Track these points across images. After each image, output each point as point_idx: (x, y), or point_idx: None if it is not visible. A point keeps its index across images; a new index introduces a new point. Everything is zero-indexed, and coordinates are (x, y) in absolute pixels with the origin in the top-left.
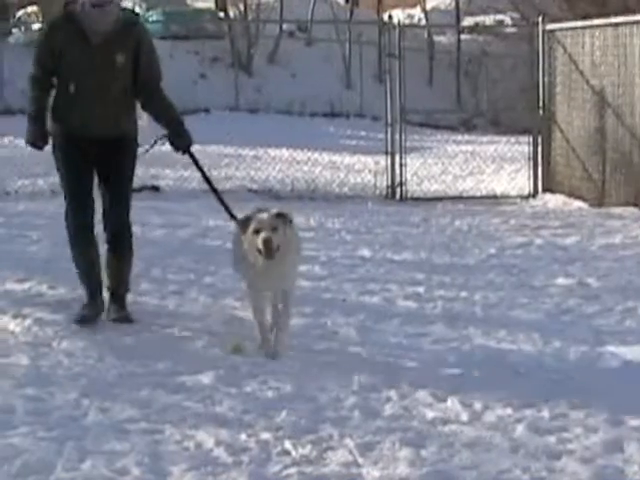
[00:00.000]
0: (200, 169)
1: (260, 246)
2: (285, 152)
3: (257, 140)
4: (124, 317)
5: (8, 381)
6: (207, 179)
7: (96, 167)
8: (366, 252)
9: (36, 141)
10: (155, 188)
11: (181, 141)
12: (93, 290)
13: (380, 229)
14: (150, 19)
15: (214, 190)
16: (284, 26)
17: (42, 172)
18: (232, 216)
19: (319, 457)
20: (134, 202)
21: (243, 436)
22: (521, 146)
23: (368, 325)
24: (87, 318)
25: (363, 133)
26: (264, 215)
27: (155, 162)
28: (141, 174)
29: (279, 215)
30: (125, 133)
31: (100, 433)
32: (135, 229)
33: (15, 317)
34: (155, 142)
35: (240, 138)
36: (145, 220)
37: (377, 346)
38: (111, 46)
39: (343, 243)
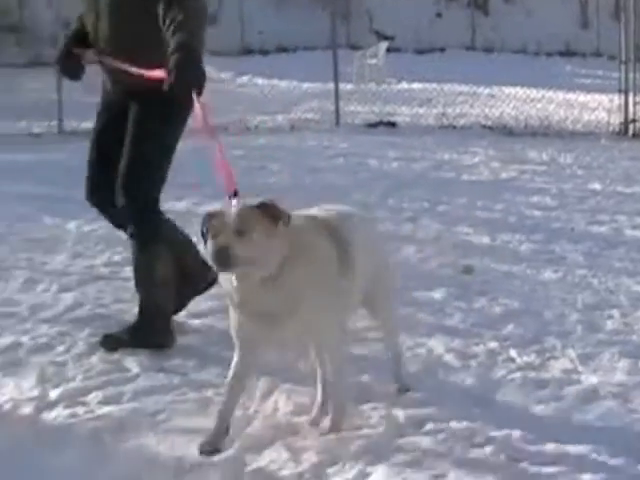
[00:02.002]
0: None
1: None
2: (520, 90)
3: (492, 79)
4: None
5: None
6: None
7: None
8: (597, 185)
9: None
10: (391, 124)
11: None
12: None
13: (611, 164)
14: None
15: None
16: None
17: (280, 109)
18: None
19: (542, 365)
20: (370, 137)
21: (472, 345)
22: None
23: (595, 252)
24: None
25: (599, 72)
26: (232, 209)
27: (392, 99)
28: (378, 110)
29: (264, 208)
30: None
31: None
32: (371, 162)
33: None
34: None
35: (475, 77)
36: (381, 154)
37: (602, 270)
38: None
39: (574, 177)
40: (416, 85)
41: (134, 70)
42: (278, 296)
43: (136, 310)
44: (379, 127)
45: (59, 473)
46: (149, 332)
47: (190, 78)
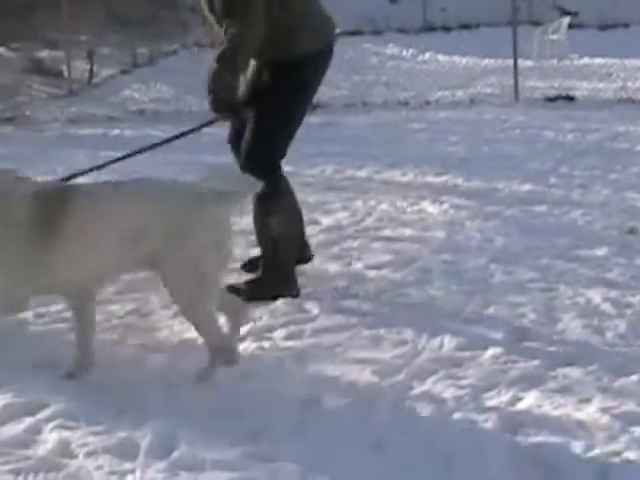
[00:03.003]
0: None
1: None
2: None
3: None
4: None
5: (427, 249)
6: None
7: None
8: None
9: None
10: (569, 98)
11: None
12: None
13: None
14: None
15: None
16: None
17: (460, 84)
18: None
19: None
20: (548, 110)
21: (628, 295)
22: None
23: None
24: None
25: None
26: None
27: (572, 74)
28: (557, 85)
29: None
30: (273, 54)
31: (503, 289)
32: (547, 133)
33: (433, 202)
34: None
35: None
36: (557, 126)
37: None
38: None
39: None
40: (598, 60)
41: None
42: None
43: None
44: (557, 101)
45: (254, 396)
46: (265, 284)
47: (214, 92)
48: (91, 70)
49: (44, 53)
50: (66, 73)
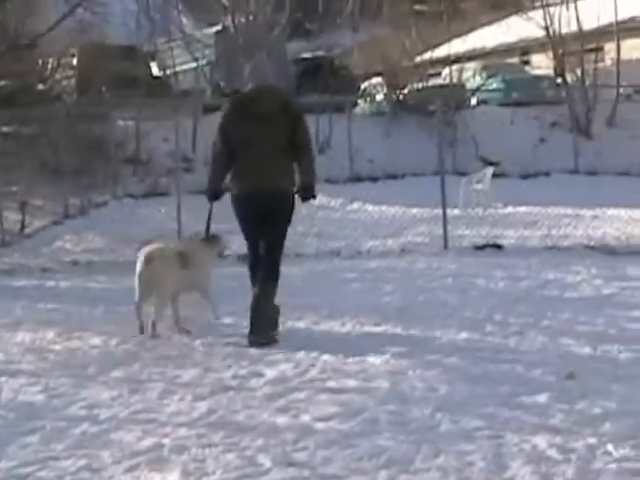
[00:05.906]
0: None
1: None
2: (622, 212)
3: (595, 201)
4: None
5: (372, 399)
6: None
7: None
8: None
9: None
10: (497, 246)
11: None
12: None
13: None
14: (490, 87)
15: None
16: (621, 90)
17: (390, 233)
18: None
19: (637, 456)
20: (477, 258)
21: (572, 441)
22: None
23: None
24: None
25: None
26: None
27: (498, 222)
28: (484, 233)
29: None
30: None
31: (451, 438)
32: (479, 281)
33: (374, 352)
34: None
35: (579, 199)
36: (488, 274)
37: None
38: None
39: None
40: (522, 209)
41: None
42: None
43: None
44: (486, 249)
45: None
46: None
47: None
48: (23, 221)
49: None
50: None
